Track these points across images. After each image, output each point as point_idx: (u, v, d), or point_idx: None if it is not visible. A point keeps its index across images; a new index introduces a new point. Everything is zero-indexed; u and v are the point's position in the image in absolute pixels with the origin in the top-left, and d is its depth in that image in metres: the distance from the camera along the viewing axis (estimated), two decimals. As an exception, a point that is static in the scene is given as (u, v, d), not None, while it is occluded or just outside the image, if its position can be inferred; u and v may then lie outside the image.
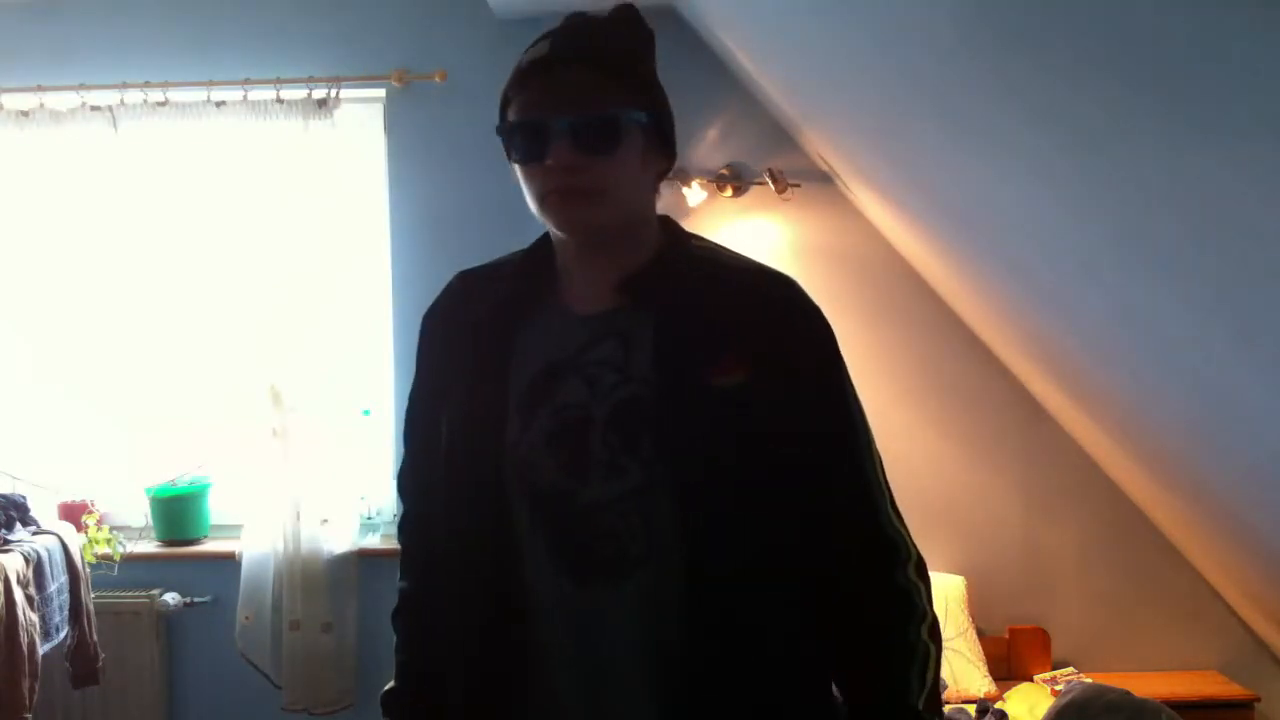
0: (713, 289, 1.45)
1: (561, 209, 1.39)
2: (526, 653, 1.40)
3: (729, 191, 3.75)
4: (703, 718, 1.37)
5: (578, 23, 1.44)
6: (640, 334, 1.42)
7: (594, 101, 1.37)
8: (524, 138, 1.38)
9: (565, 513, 1.39)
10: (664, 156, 1.47)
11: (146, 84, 3.80)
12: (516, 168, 1.41)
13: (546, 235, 1.50)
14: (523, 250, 1.53)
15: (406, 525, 1.61)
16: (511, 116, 1.41)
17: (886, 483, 1.47)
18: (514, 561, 1.40)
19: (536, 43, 1.42)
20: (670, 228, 1.52)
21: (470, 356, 1.47)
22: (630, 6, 1.48)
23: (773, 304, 1.45)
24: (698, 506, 1.37)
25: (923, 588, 1.47)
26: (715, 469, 1.37)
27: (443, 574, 1.50)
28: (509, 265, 1.53)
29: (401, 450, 1.62)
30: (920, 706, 1.42)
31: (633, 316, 1.43)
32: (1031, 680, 3.63)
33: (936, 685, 1.45)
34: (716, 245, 1.54)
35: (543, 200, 1.39)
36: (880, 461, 1.47)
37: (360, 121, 3.89)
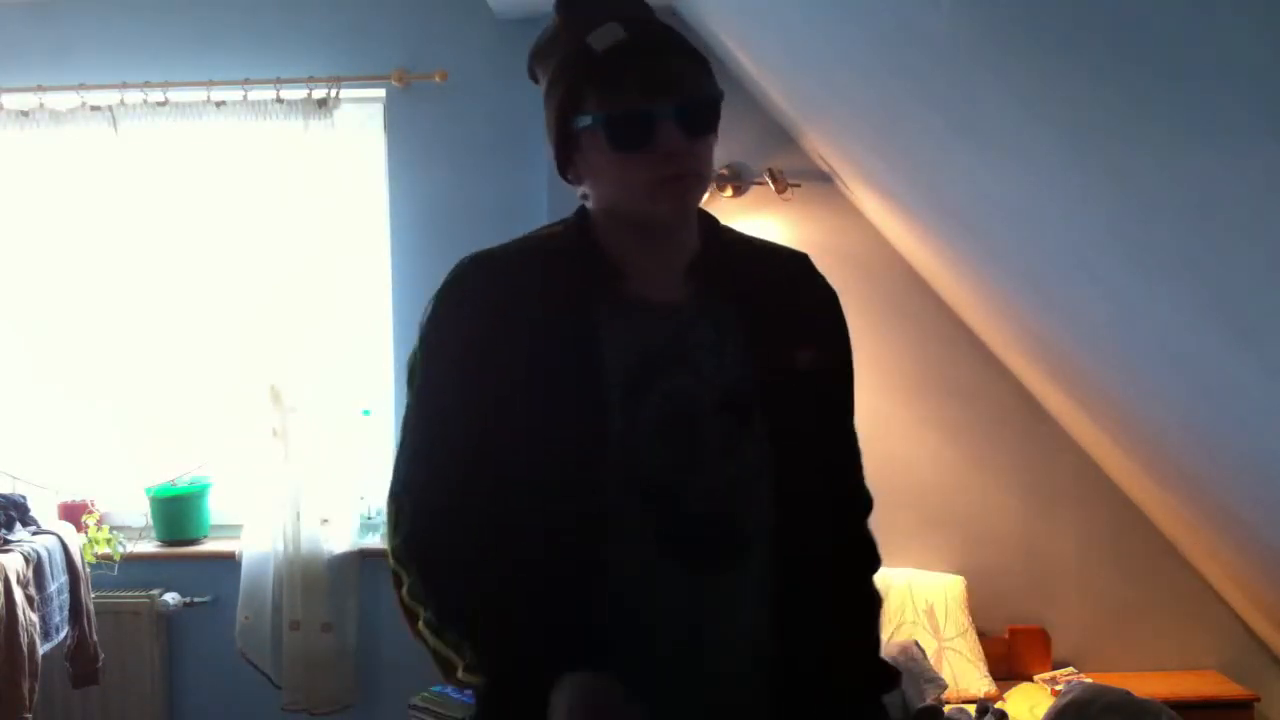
0: (761, 272, 1.51)
1: (676, 194, 1.38)
2: (614, 630, 1.38)
3: (729, 191, 3.75)
4: (802, 698, 1.43)
5: (621, 6, 1.41)
6: (724, 319, 1.44)
7: (695, 85, 1.38)
8: (626, 127, 1.35)
9: (680, 500, 1.39)
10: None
11: (146, 84, 3.80)
12: (602, 158, 1.38)
13: (582, 220, 1.46)
14: (554, 231, 1.49)
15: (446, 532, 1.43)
16: (602, 107, 1.36)
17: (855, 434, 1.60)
18: (602, 547, 1.37)
19: (588, 28, 1.38)
20: (700, 213, 1.51)
21: (543, 346, 1.39)
22: None
23: (807, 283, 1.55)
24: (795, 486, 1.43)
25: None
26: (807, 447, 1.45)
27: (518, 568, 1.39)
28: (541, 252, 1.47)
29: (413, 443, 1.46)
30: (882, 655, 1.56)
31: (710, 302, 1.45)
32: (1031, 680, 3.63)
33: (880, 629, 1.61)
34: (731, 228, 1.57)
35: (655, 187, 1.36)
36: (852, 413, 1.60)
37: (360, 121, 3.89)
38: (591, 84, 1.37)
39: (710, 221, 1.52)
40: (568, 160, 1.44)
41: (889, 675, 1.54)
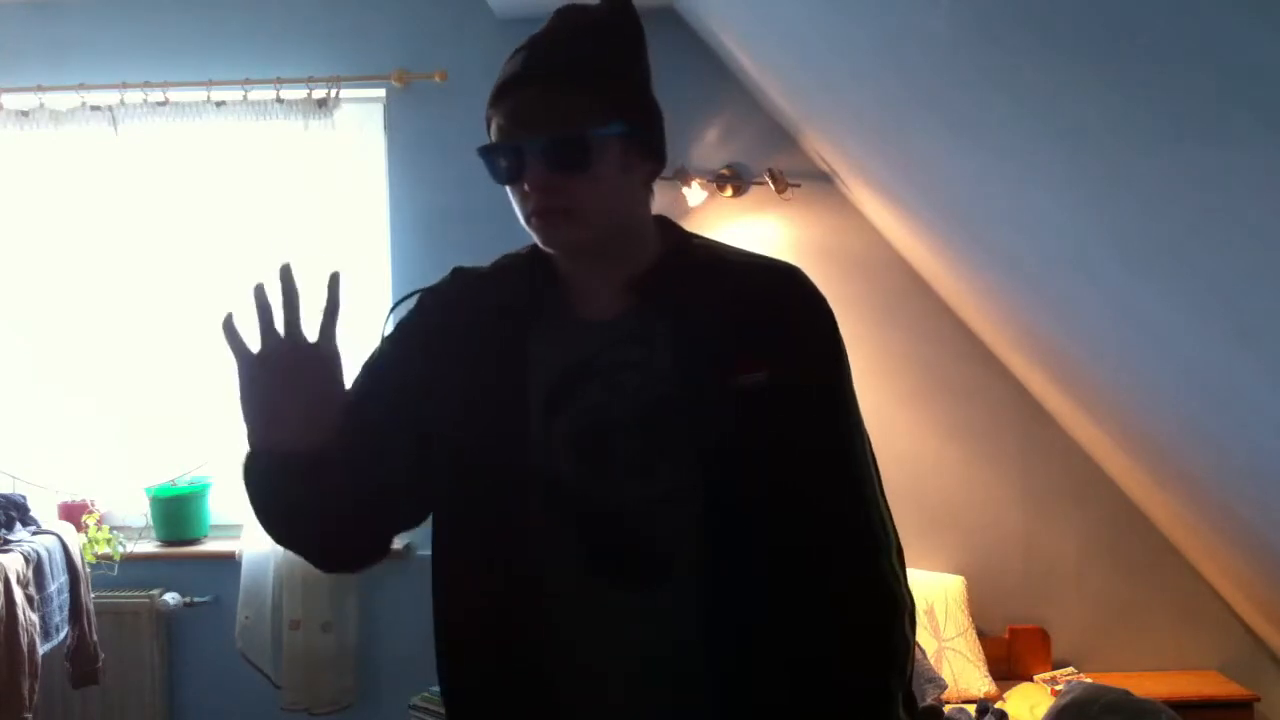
0: (720, 286, 1.44)
1: (542, 229, 1.39)
2: (543, 644, 1.39)
3: (729, 191, 3.75)
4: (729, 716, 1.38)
5: (556, 30, 1.42)
6: (656, 336, 1.41)
7: (562, 120, 1.36)
8: (501, 159, 1.39)
9: (594, 516, 1.38)
10: (651, 160, 1.44)
11: (146, 84, 3.80)
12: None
13: None
14: (519, 253, 1.52)
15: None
16: (491, 136, 1.41)
17: (876, 469, 1.47)
18: (526, 560, 1.39)
19: (514, 54, 1.41)
20: (668, 228, 1.51)
21: (477, 359, 1.44)
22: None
23: (779, 297, 1.45)
24: (727, 508, 1.36)
25: (903, 576, 1.45)
26: (744, 469, 1.37)
27: (449, 557, 1.46)
28: (508, 269, 1.51)
29: None
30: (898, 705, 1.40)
31: (646, 319, 1.42)
32: (1031, 680, 3.63)
33: (910, 675, 1.43)
34: (715, 241, 1.54)
35: (530, 219, 1.40)
36: (870, 445, 1.47)
37: (360, 121, 3.89)
38: (490, 113, 1.42)
39: (677, 235, 1.51)
40: None
41: None
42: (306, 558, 1.50)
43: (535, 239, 1.42)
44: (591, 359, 1.42)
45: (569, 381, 1.41)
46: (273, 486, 1.39)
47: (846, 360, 1.47)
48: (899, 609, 1.41)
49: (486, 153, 1.41)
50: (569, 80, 1.38)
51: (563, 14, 1.44)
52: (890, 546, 1.44)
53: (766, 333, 1.41)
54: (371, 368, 1.52)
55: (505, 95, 1.39)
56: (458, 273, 1.54)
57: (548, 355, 1.43)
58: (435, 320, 1.50)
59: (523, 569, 1.39)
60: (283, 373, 1.38)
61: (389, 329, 1.54)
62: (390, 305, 1.56)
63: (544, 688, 1.39)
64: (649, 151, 1.43)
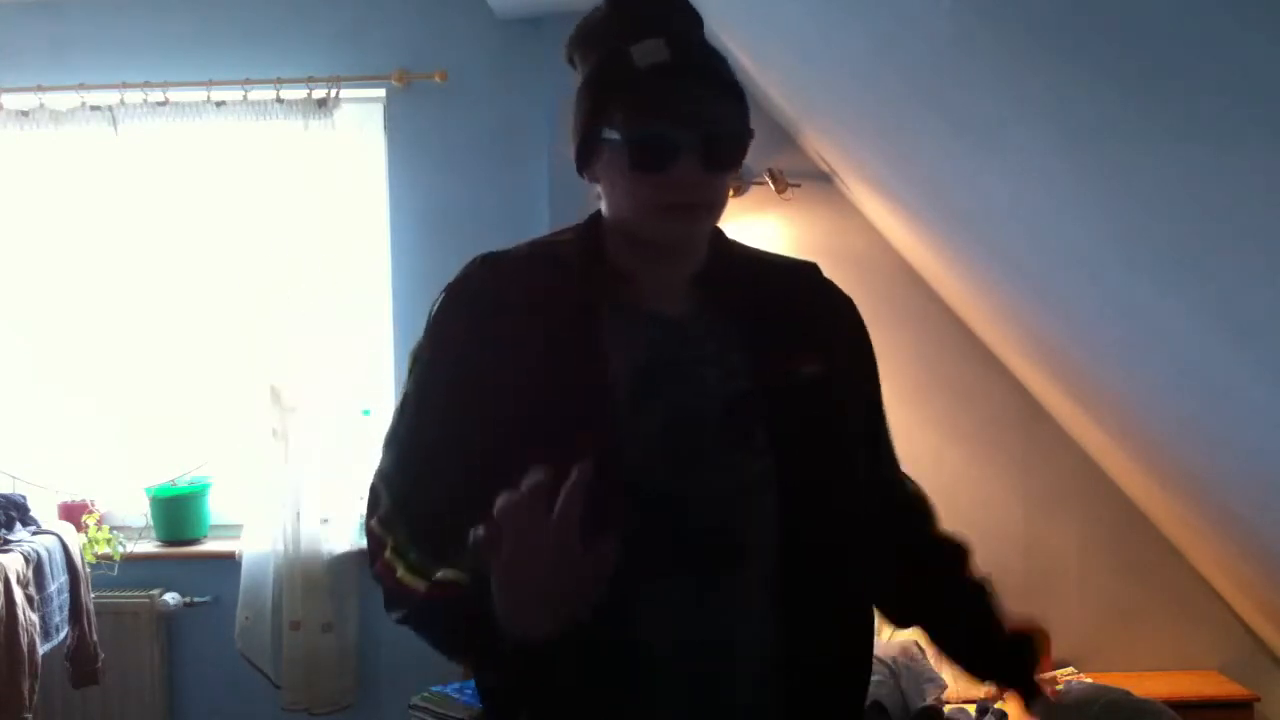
0: (767, 283, 1.51)
1: (680, 222, 1.39)
2: (625, 640, 1.37)
3: (729, 191, 3.75)
4: (805, 697, 1.42)
5: (672, 16, 1.40)
6: (727, 332, 1.44)
7: (728, 118, 1.38)
8: (649, 150, 1.35)
9: (680, 512, 1.38)
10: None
11: (146, 84, 3.80)
12: (620, 172, 1.37)
13: (593, 227, 1.46)
14: (563, 240, 1.49)
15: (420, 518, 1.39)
16: (629, 123, 1.36)
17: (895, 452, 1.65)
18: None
19: (634, 32, 1.37)
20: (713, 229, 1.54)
21: (545, 354, 1.39)
22: None
23: (815, 294, 1.55)
24: (803, 493, 1.41)
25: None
26: (815, 455, 1.43)
27: None
28: (549, 258, 1.47)
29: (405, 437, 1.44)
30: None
31: (713, 314, 1.45)
32: (1031, 680, 3.63)
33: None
34: (737, 240, 1.58)
35: (666, 211, 1.37)
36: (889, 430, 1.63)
37: (360, 121, 3.90)
38: (625, 100, 1.37)
39: (717, 234, 1.52)
40: (587, 161, 1.43)
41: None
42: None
43: (657, 231, 1.40)
44: (672, 354, 1.42)
45: (652, 377, 1.41)
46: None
47: (870, 342, 1.58)
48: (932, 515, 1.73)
49: (633, 141, 1.35)
50: (721, 79, 1.39)
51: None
52: (936, 516, 1.71)
53: (813, 327, 1.50)
54: (437, 417, 1.42)
55: (652, 84, 1.35)
56: (489, 261, 1.47)
57: (624, 349, 1.41)
58: (479, 318, 1.43)
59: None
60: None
61: (429, 357, 1.45)
62: (428, 317, 1.47)
63: (627, 679, 1.39)
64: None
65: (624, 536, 1.30)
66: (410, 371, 1.47)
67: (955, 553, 1.77)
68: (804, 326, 1.49)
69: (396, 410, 1.47)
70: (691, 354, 1.43)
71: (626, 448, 1.37)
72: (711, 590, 1.39)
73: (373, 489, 1.45)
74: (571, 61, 1.48)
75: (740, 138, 1.39)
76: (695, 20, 1.45)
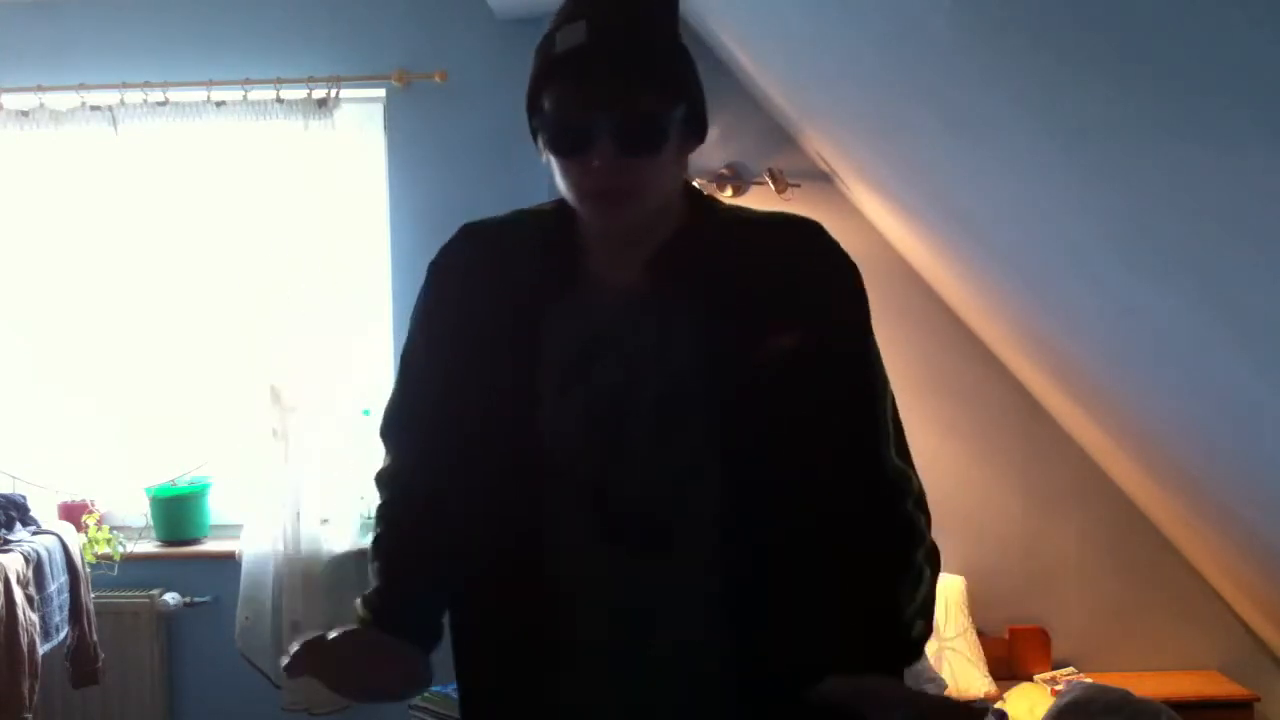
0: (744, 251, 1.44)
1: (602, 209, 1.37)
2: (555, 617, 1.41)
3: (729, 191, 3.75)
4: (752, 672, 1.40)
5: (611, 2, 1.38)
6: (677, 311, 1.40)
7: (636, 101, 1.33)
8: (564, 133, 1.35)
9: (607, 490, 1.39)
10: (696, 137, 1.43)
11: (146, 84, 3.80)
12: (550, 158, 1.38)
13: (565, 203, 1.45)
14: (542, 211, 1.49)
15: (399, 475, 1.53)
16: (548, 108, 1.36)
17: (897, 420, 1.47)
18: (538, 533, 1.40)
19: (567, 23, 1.36)
20: (694, 197, 1.50)
21: (495, 329, 1.43)
22: None
23: (801, 256, 1.46)
24: (744, 475, 1.38)
25: (923, 519, 1.47)
26: (763, 438, 1.38)
27: (460, 532, 1.47)
28: (525, 229, 1.49)
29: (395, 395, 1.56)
30: (911, 625, 1.41)
31: (667, 292, 1.41)
32: (1031, 680, 3.63)
33: (930, 607, 1.44)
34: (739, 206, 1.54)
35: (586, 197, 1.36)
36: (893, 398, 1.47)
37: (360, 121, 3.89)
38: (545, 83, 1.37)
39: (702, 203, 1.50)
40: (537, 145, 1.44)
41: (903, 645, 1.41)
42: None
43: (585, 215, 1.39)
44: (611, 334, 1.41)
45: (587, 357, 1.40)
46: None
47: (864, 310, 1.48)
48: (913, 540, 1.43)
49: (546, 124, 1.36)
50: (641, 58, 1.35)
51: None
52: (908, 493, 1.45)
53: (791, 296, 1.42)
54: (420, 375, 1.53)
55: (568, 65, 1.34)
56: (468, 231, 1.52)
57: (565, 328, 1.41)
58: (452, 288, 1.50)
59: (535, 551, 1.40)
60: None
61: (412, 321, 1.56)
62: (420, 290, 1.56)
63: (563, 661, 1.41)
64: (698, 128, 1.42)
65: (549, 513, 1.38)
66: (409, 331, 1.57)
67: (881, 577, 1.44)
68: (776, 297, 1.41)
69: (399, 368, 1.58)
70: (631, 332, 1.40)
71: (554, 427, 1.39)
72: (635, 573, 1.39)
73: (376, 475, 1.58)
74: None
75: (656, 120, 1.33)
76: (636, 4, 1.38)
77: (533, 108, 1.39)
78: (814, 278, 1.45)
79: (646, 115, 1.34)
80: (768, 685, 1.39)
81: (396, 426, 1.54)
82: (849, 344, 1.46)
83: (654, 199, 1.38)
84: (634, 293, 1.42)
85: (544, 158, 1.42)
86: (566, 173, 1.37)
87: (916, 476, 1.48)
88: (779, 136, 3.78)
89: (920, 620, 1.42)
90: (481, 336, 1.44)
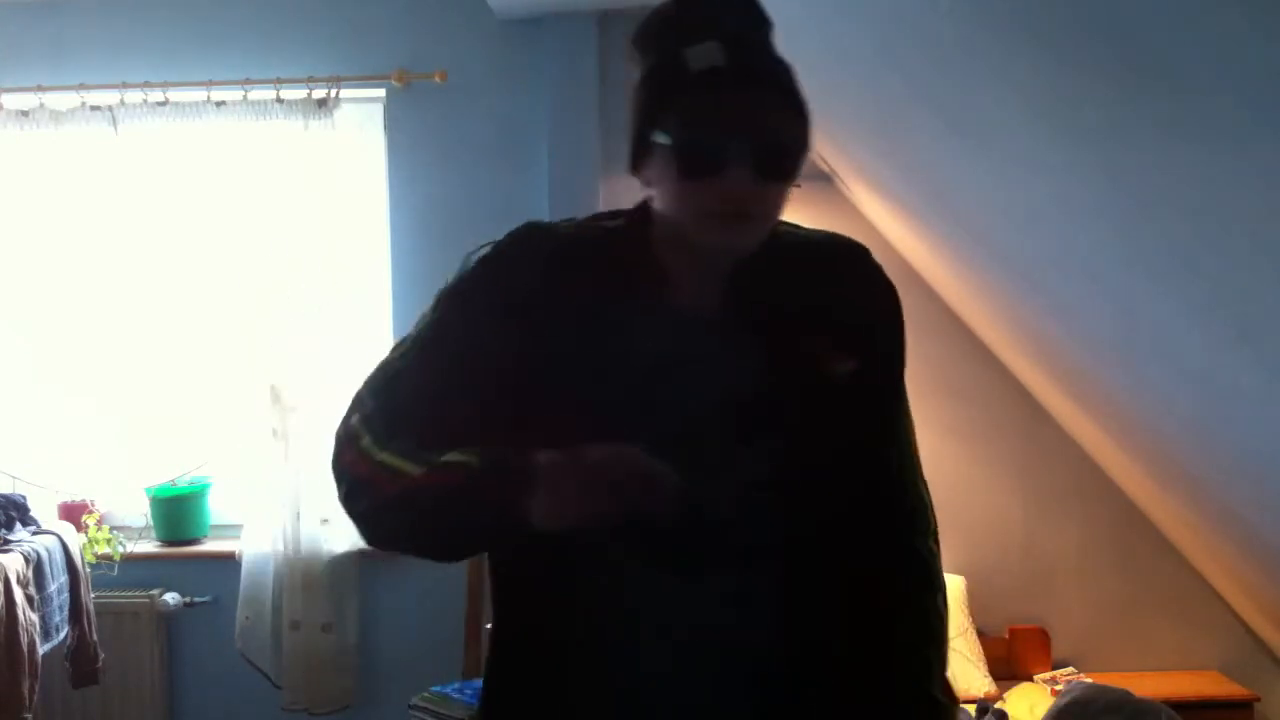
0: (807, 273, 1.46)
1: (725, 231, 1.35)
2: (612, 636, 1.38)
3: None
4: (805, 705, 1.41)
5: (735, 17, 1.36)
6: (747, 331, 1.40)
7: (780, 127, 1.33)
8: (698, 157, 1.32)
9: (680, 509, 1.35)
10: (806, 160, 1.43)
11: (146, 84, 3.80)
12: (669, 176, 1.35)
13: (640, 217, 1.44)
14: (614, 225, 1.47)
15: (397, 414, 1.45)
16: (678, 128, 1.33)
17: (917, 452, 1.53)
18: (595, 549, 1.36)
19: (692, 41, 1.33)
20: None
21: (559, 332, 1.39)
22: None
23: (859, 281, 1.48)
24: (814, 502, 1.39)
25: (939, 555, 1.51)
26: (833, 464, 1.40)
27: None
28: (595, 237, 1.46)
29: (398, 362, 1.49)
30: (936, 692, 1.45)
31: (738, 313, 1.41)
32: (1031, 680, 3.63)
33: (945, 657, 1.49)
34: (789, 223, 1.52)
35: (713, 220, 1.34)
36: (913, 426, 1.53)
37: (360, 121, 3.89)
38: (675, 103, 1.34)
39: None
40: (639, 162, 1.40)
41: (933, 704, 1.44)
42: (432, 558, 1.49)
43: (703, 236, 1.36)
44: (689, 350, 1.40)
45: (662, 373, 1.39)
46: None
47: (903, 336, 1.51)
48: (932, 583, 1.48)
49: (681, 146, 1.33)
50: (780, 87, 1.35)
51: None
52: (929, 530, 1.50)
53: (853, 321, 1.44)
54: (449, 347, 1.43)
55: (704, 88, 1.32)
56: (540, 230, 1.47)
57: (641, 343, 1.40)
58: (509, 282, 1.42)
59: (598, 568, 1.37)
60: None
61: (457, 284, 1.45)
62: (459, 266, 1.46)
63: (620, 682, 1.39)
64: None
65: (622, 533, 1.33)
66: (433, 309, 1.46)
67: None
68: (836, 321, 1.43)
69: (411, 336, 1.47)
70: (708, 350, 1.40)
71: (634, 444, 1.35)
72: (702, 587, 1.38)
73: (358, 395, 1.51)
74: (634, 59, 1.44)
75: (795, 148, 1.35)
76: (760, 23, 1.39)
77: (648, 126, 1.36)
78: (870, 296, 1.49)
79: (788, 141, 1.34)
80: (820, 699, 1.42)
81: (399, 397, 1.47)
82: (895, 367, 1.50)
83: (770, 226, 1.39)
84: (705, 311, 1.41)
85: (640, 176, 1.39)
86: (690, 192, 1.34)
87: (933, 513, 1.54)
88: (779, 136, 3.78)
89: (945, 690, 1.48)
90: (540, 335, 1.39)
